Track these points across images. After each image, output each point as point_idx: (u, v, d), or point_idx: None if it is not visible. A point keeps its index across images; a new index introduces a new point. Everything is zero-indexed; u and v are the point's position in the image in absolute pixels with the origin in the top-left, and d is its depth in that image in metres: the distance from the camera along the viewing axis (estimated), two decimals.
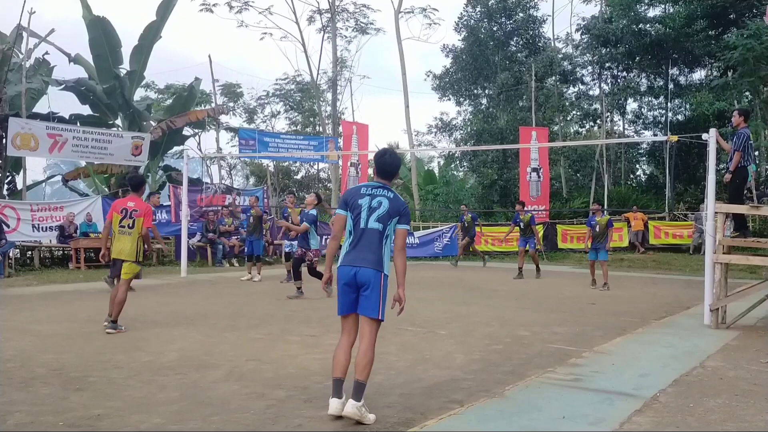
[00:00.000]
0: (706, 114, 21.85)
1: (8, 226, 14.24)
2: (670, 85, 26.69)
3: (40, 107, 20.09)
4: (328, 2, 28.54)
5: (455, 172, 34.18)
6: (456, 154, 31.40)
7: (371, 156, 21.18)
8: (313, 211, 10.17)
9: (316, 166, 33.96)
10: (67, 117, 20.36)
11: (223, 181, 27.70)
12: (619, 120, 29.92)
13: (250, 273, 13.27)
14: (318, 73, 30.29)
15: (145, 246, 7.29)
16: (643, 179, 30.40)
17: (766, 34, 19.09)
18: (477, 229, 18.31)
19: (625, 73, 27.93)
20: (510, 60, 28.23)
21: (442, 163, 37.28)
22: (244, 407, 4.26)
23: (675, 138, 10.26)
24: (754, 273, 14.11)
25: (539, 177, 22.24)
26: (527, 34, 28.03)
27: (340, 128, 26.70)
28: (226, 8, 27.08)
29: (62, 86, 20.65)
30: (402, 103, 30.85)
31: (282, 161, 30.57)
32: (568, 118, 29.79)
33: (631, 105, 28.91)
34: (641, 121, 29.02)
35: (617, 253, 18.83)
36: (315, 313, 8.56)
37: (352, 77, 31.66)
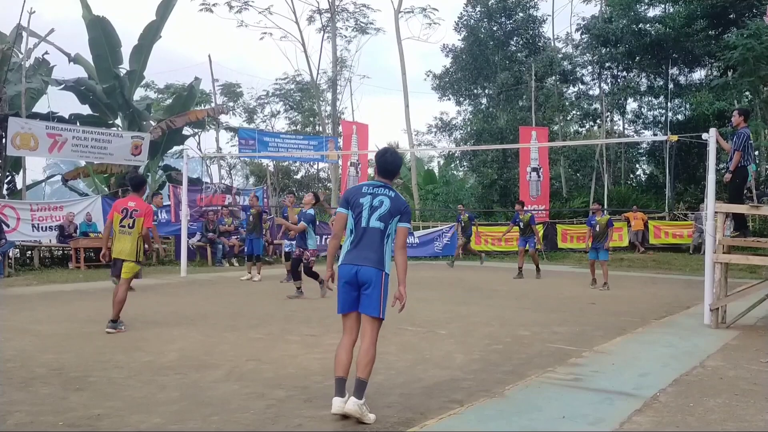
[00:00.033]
0: (706, 114, 21.85)
1: (8, 226, 14.24)
2: (670, 85, 26.70)
3: (40, 107, 20.08)
4: (328, 2, 28.55)
5: (455, 172, 34.21)
6: (456, 154, 31.41)
7: (371, 156, 21.29)
8: (311, 211, 10.16)
9: (315, 166, 33.97)
10: (66, 117, 20.33)
11: (222, 181, 27.70)
12: (619, 120, 29.95)
13: (249, 273, 13.26)
14: (318, 73, 30.33)
15: (146, 245, 7.30)
16: (643, 179, 30.41)
17: (766, 34, 19.09)
18: (474, 228, 18.30)
19: (625, 73, 27.93)
20: (510, 60, 28.23)
21: (442, 162, 37.32)
22: (244, 407, 4.26)
23: (675, 138, 10.27)
24: (754, 273, 14.12)
25: (539, 177, 22.23)
26: (527, 33, 28.04)
27: (340, 128, 26.70)
28: (226, 8, 27.10)
29: (62, 86, 20.62)
30: (402, 102, 30.91)
31: (282, 161, 30.58)
32: (568, 118, 29.80)
33: (631, 105, 28.97)
34: (641, 120, 29.03)
35: (617, 252, 18.83)
36: (315, 313, 8.56)
37: (352, 77, 31.75)
